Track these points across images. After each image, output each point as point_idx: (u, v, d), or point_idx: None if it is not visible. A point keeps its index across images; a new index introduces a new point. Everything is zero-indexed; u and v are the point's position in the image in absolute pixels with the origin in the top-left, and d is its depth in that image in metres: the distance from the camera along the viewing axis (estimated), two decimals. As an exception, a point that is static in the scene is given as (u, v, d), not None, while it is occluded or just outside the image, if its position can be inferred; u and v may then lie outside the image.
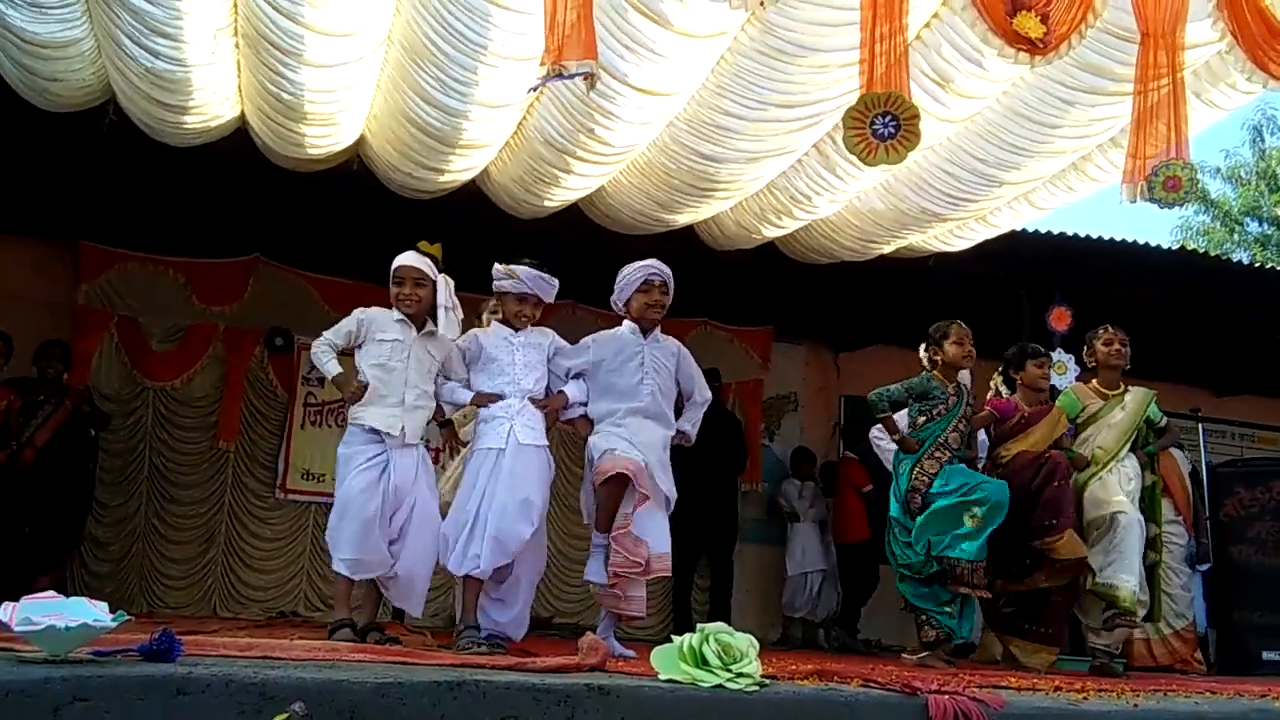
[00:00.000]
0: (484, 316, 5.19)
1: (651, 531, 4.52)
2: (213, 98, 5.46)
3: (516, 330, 4.67)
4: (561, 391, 4.68)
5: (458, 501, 4.46)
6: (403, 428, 4.35)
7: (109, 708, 2.24)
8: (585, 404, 4.74)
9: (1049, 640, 5.58)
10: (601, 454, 4.58)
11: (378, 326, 4.47)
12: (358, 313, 4.54)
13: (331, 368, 4.45)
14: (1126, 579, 5.46)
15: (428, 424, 4.56)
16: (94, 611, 2.48)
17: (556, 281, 4.69)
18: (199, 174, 6.72)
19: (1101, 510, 5.61)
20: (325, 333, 4.51)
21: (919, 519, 5.27)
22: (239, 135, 5.96)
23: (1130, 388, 5.93)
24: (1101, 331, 5.99)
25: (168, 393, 7.98)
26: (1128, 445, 5.80)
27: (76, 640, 2.43)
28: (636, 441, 4.59)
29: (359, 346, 4.50)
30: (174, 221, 7.66)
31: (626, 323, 4.84)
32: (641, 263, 4.81)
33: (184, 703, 2.31)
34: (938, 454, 5.36)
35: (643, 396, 4.70)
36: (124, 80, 5.27)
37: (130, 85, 5.28)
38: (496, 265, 4.66)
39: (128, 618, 2.59)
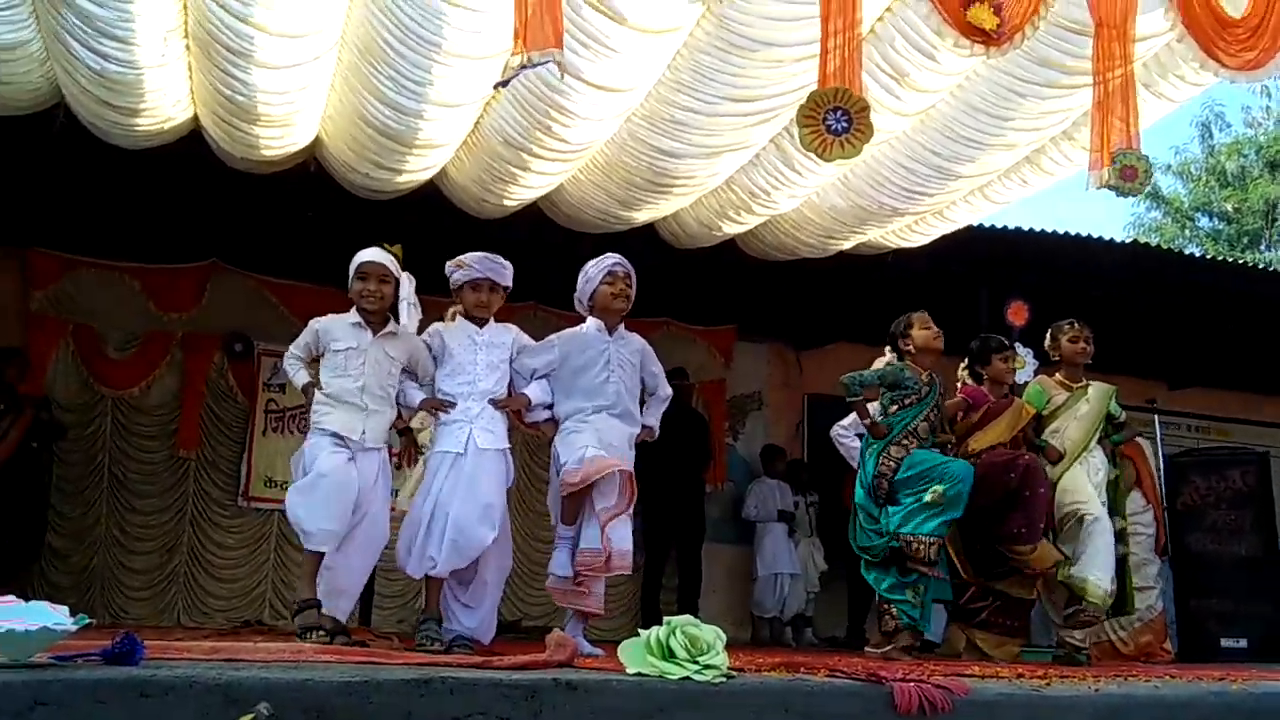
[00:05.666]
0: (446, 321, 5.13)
1: (617, 529, 4.45)
2: (164, 100, 5.40)
3: (481, 326, 4.59)
4: (523, 393, 4.60)
5: (414, 504, 4.40)
6: (364, 430, 4.31)
7: (71, 711, 2.21)
8: (550, 405, 4.66)
9: (1013, 633, 5.65)
10: (572, 458, 4.41)
11: (332, 336, 4.42)
12: (313, 324, 4.49)
13: (299, 378, 4.45)
14: (1099, 576, 5.50)
15: (390, 428, 4.52)
16: (55, 615, 2.44)
17: (508, 264, 4.61)
18: (152, 177, 6.63)
19: (1070, 507, 5.66)
20: (290, 346, 4.50)
21: (891, 510, 5.26)
22: (192, 138, 5.89)
23: (1091, 383, 6.00)
24: (1068, 327, 6.03)
25: (126, 401, 7.89)
26: (1095, 438, 5.86)
27: (37, 644, 2.39)
28: (604, 439, 4.50)
29: (321, 356, 4.46)
30: (128, 227, 7.57)
31: (591, 320, 4.77)
32: (603, 256, 4.76)
33: (147, 705, 2.28)
34: (905, 441, 5.35)
35: (609, 395, 4.62)
36: (73, 83, 5.20)
37: (80, 88, 5.21)
38: (447, 264, 4.61)
39: (89, 621, 2.55)
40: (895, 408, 5.44)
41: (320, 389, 4.37)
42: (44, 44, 5.04)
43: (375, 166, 5.87)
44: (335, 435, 4.28)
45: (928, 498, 5.13)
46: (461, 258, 4.55)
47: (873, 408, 5.59)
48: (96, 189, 6.95)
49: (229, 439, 8.13)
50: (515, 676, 2.70)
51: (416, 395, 4.50)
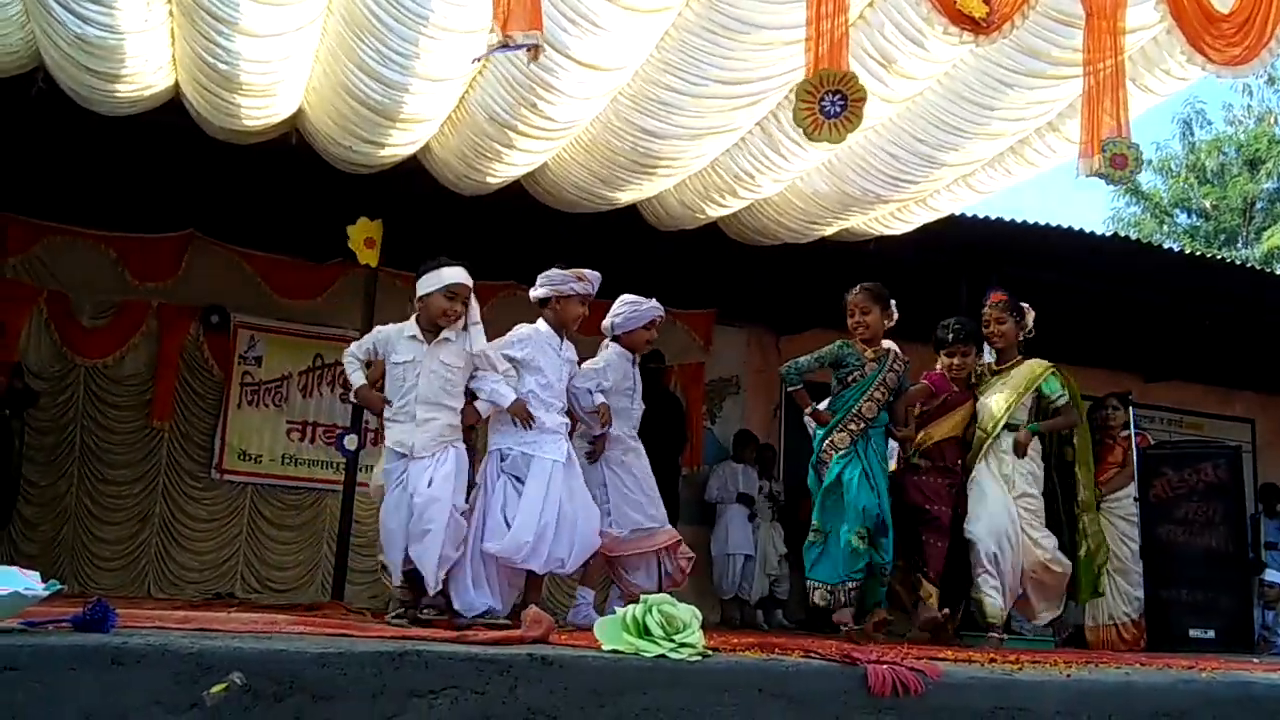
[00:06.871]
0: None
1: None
2: (145, 66, 5.33)
3: (562, 340, 4.77)
4: (605, 403, 4.88)
5: (528, 506, 4.49)
6: (412, 444, 4.41)
7: (41, 677, 2.19)
8: None
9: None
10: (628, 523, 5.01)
11: (392, 348, 4.52)
12: (374, 333, 4.64)
13: (355, 379, 4.59)
14: (988, 596, 5.54)
15: (452, 427, 4.52)
16: (25, 580, 2.42)
17: None
18: (131, 145, 6.56)
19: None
20: (351, 345, 4.64)
21: (815, 504, 5.34)
22: (173, 105, 5.82)
23: (1025, 361, 6.01)
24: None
25: (99, 370, 7.83)
26: (1006, 418, 5.79)
27: (7, 610, 2.37)
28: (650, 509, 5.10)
29: (383, 362, 4.59)
30: (105, 195, 7.49)
31: (619, 347, 5.11)
32: (648, 301, 5.12)
33: (118, 673, 2.26)
34: (851, 425, 5.32)
35: (634, 419, 5.13)
36: (53, 46, 5.11)
37: (60, 52, 5.13)
38: (556, 271, 4.72)
39: (60, 587, 2.53)
40: (839, 388, 5.43)
41: (388, 403, 4.50)
42: (24, 6, 4.96)
43: (358, 139, 5.80)
44: (395, 453, 4.45)
45: (857, 544, 5.11)
46: (583, 271, 4.63)
47: None
48: (74, 155, 6.87)
49: (203, 411, 8.08)
50: (490, 651, 2.70)
51: (508, 396, 4.57)
